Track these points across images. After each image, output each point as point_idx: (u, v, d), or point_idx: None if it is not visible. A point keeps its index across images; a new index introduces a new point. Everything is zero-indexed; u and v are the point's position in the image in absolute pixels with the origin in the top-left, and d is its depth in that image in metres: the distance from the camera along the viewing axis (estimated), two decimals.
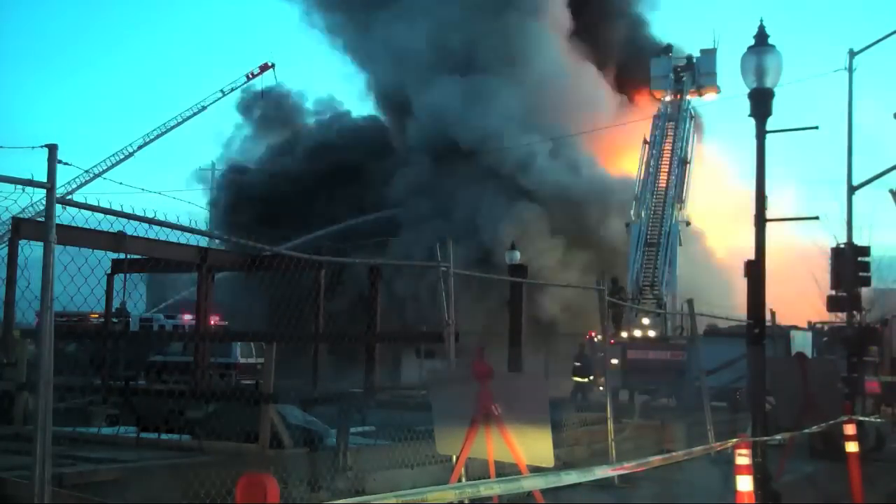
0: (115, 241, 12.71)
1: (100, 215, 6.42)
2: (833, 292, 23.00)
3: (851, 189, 25.28)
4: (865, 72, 29.23)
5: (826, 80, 45.70)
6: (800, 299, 29.59)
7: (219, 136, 77.39)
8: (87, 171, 47.19)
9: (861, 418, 14.14)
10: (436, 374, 9.85)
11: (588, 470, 6.80)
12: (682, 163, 38.76)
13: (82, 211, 6.33)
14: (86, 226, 6.59)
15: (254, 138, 56.85)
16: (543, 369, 25.14)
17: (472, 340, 13.66)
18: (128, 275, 17.97)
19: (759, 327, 12.05)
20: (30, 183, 5.85)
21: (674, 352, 26.47)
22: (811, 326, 27.56)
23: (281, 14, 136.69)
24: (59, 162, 5.97)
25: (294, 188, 47.52)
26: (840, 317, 24.05)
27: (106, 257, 14.12)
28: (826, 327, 26.53)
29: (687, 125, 40.15)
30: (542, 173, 42.65)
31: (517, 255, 30.75)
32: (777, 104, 12.13)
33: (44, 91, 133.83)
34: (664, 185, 38.37)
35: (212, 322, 25.08)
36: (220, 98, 59.42)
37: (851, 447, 11.39)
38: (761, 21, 12.25)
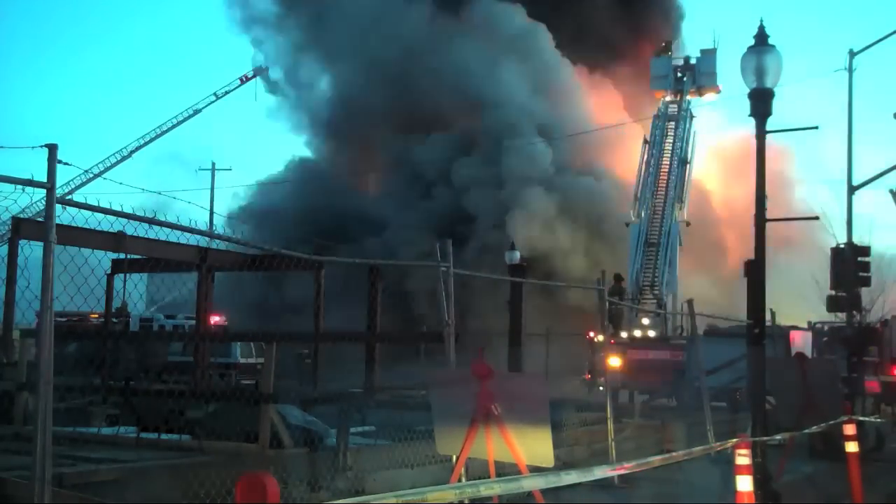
0: (115, 241, 12.71)
1: (100, 215, 6.42)
2: (833, 292, 23.02)
3: (851, 189, 25.31)
4: (865, 72, 29.21)
5: (826, 81, 45.64)
6: (799, 299, 29.64)
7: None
8: (86, 171, 47.27)
9: (861, 418, 14.15)
10: (436, 374, 9.84)
11: (588, 470, 6.80)
12: (682, 163, 38.75)
13: (82, 211, 6.34)
14: (86, 226, 6.59)
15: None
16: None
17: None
18: (128, 275, 17.96)
19: (759, 327, 12.06)
20: (30, 183, 5.86)
21: (674, 352, 26.46)
22: (811, 326, 27.53)
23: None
24: (59, 162, 5.98)
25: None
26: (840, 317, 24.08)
27: (106, 257, 14.14)
28: (826, 327, 26.51)
29: (687, 125, 40.14)
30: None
31: (517, 255, 30.75)
32: (777, 104, 12.15)
33: (43, 91, 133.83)
34: (664, 185, 38.37)
35: (212, 322, 25.09)
36: (213, 101, 59.72)
37: (851, 447, 11.39)
38: (761, 21, 12.27)
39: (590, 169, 44.45)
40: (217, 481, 8.20)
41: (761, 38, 12.13)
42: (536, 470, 7.92)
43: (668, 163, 38.91)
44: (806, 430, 12.11)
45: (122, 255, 15.65)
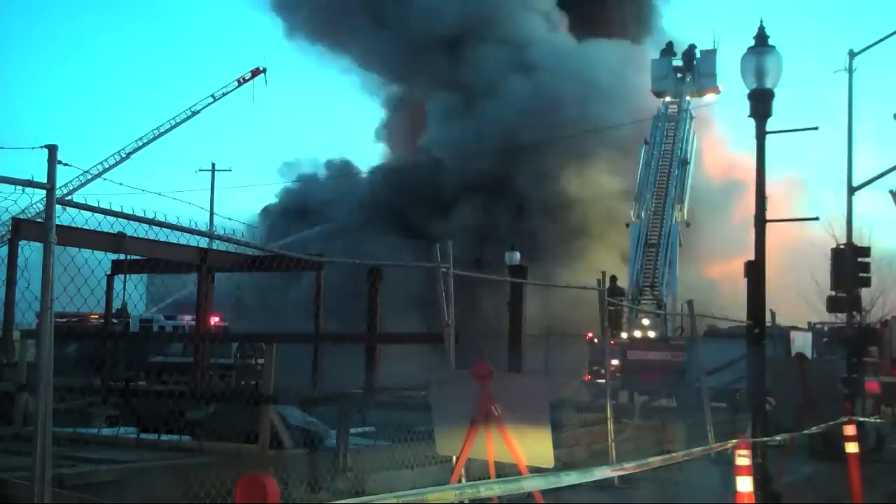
0: (114, 241, 12.70)
1: (100, 216, 6.42)
2: (833, 293, 23.03)
3: (851, 189, 25.30)
4: (865, 72, 29.25)
5: (826, 81, 45.69)
6: (799, 300, 29.63)
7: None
8: (86, 172, 47.35)
9: (861, 419, 14.15)
10: (435, 374, 9.84)
11: (588, 470, 6.81)
12: (682, 163, 38.74)
13: (82, 212, 6.33)
14: (86, 227, 6.59)
15: None
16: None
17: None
18: (128, 275, 17.96)
19: (759, 328, 12.06)
20: (30, 184, 5.86)
21: (674, 352, 26.48)
22: (811, 327, 27.54)
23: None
24: (59, 163, 5.98)
25: None
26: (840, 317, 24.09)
27: (106, 258, 14.13)
28: (826, 327, 26.52)
29: (687, 126, 40.13)
30: None
31: (517, 255, 30.77)
32: (777, 104, 12.16)
33: (43, 92, 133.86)
34: (664, 185, 38.36)
35: (212, 322, 25.08)
36: (211, 103, 59.73)
37: (851, 448, 11.39)
38: (761, 21, 12.27)
39: None
40: (217, 482, 8.20)
41: (761, 38, 12.13)
42: (536, 471, 7.92)
43: (668, 163, 38.92)
44: (806, 431, 12.11)
45: (122, 256, 15.64)
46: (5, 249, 14.43)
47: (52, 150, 5.96)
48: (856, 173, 25.69)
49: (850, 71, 26.03)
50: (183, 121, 59.03)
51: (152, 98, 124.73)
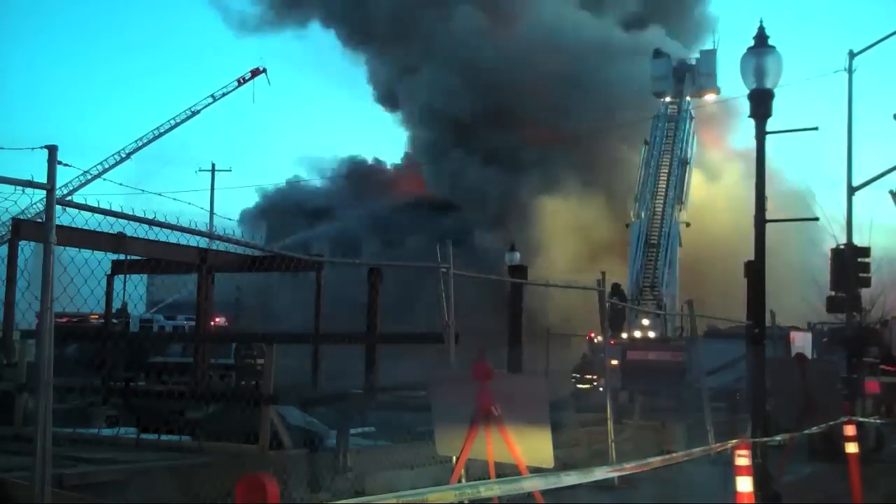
0: (114, 242, 12.71)
1: (100, 216, 6.42)
2: (833, 293, 23.01)
3: (851, 190, 25.30)
4: (865, 72, 29.22)
5: (826, 81, 45.64)
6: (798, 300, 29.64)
7: None
8: (86, 172, 47.33)
9: (861, 419, 14.15)
10: (436, 374, 9.84)
11: (588, 471, 6.80)
12: (682, 163, 38.76)
13: (82, 212, 6.34)
14: (86, 227, 6.59)
15: None
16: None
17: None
18: (127, 276, 17.96)
19: (759, 328, 12.06)
20: (30, 184, 5.86)
21: (674, 353, 26.46)
22: (811, 327, 27.54)
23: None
24: (59, 163, 5.98)
25: None
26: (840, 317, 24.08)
27: (106, 258, 14.13)
28: (826, 328, 26.53)
29: (687, 126, 40.13)
30: None
31: (517, 255, 30.77)
32: (777, 104, 12.15)
33: (43, 91, 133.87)
34: (664, 185, 38.37)
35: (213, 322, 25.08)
36: (211, 103, 59.71)
37: (851, 448, 11.39)
38: (761, 22, 12.25)
39: None
40: (217, 482, 8.20)
41: (761, 38, 12.11)
42: (536, 471, 7.92)
43: (669, 164, 38.92)
44: (806, 431, 12.11)
45: (122, 256, 15.65)
46: (5, 249, 14.42)
47: (52, 150, 5.96)
48: (856, 173, 25.72)
49: (850, 71, 26.03)
50: (183, 121, 59.05)
51: (152, 98, 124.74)
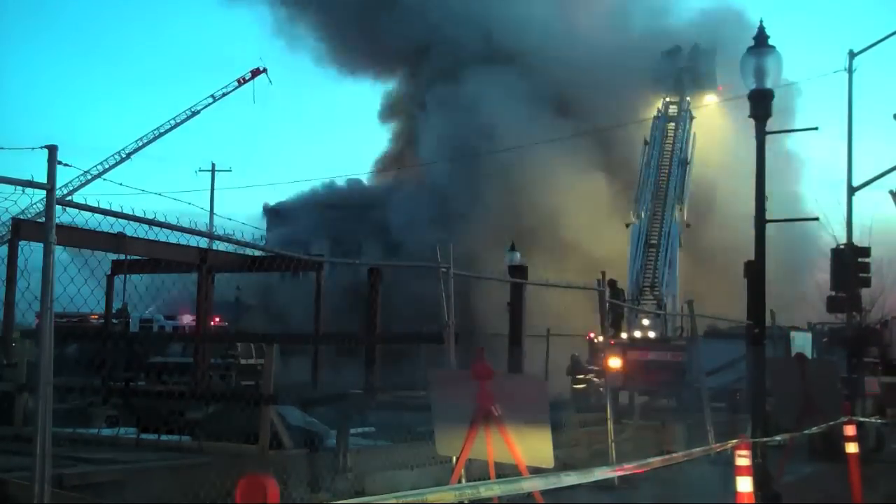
0: (114, 242, 12.72)
1: (100, 216, 6.42)
2: (833, 293, 23.00)
3: (851, 190, 25.31)
4: (865, 72, 29.20)
5: (826, 81, 45.66)
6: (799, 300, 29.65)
7: None
8: (86, 172, 47.29)
9: (861, 419, 14.14)
10: (436, 374, 9.83)
11: (588, 471, 6.80)
12: (682, 163, 38.77)
13: (82, 212, 6.33)
14: (86, 227, 6.59)
15: None
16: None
17: None
18: (127, 276, 17.97)
19: (759, 328, 12.05)
20: (30, 184, 5.86)
21: (674, 353, 26.46)
22: (811, 327, 27.54)
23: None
24: (59, 163, 5.98)
25: None
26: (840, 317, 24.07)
27: (106, 258, 14.14)
28: (826, 328, 26.51)
29: (687, 125, 40.15)
30: None
31: (517, 255, 30.74)
32: (777, 105, 12.14)
33: (43, 91, 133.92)
34: (664, 185, 38.39)
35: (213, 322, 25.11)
36: (211, 103, 59.68)
37: (851, 448, 11.38)
38: (761, 22, 12.25)
39: None
40: (217, 482, 8.20)
41: (761, 38, 12.11)
42: (536, 471, 7.92)
43: (668, 164, 38.94)
44: (806, 431, 12.10)
45: (122, 256, 15.66)
46: (5, 249, 14.43)
47: (52, 150, 5.96)
48: (856, 173, 25.73)
49: (850, 71, 26.03)
50: (183, 121, 59.02)
51: (152, 98, 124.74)
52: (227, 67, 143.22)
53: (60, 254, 6.17)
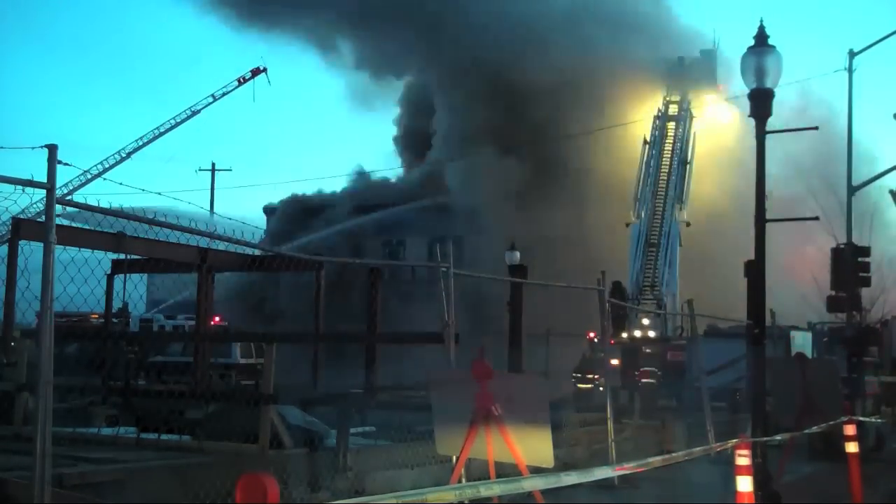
0: (115, 241, 12.71)
1: (100, 216, 6.42)
2: (833, 293, 22.98)
3: (851, 189, 25.31)
4: (865, 72, 29.23)
5: (826, 81, 45.67)
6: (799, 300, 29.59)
7: None
8: (86, 172, 47.28)
9: (861, 419, 14.14)
10: (436, 374, 9.83)
11: (588, 470, 6.80)
12: (683, 163, 38.78)
13: (82, 211, 6.33)
14: (86, 226, 6.60)
15: None
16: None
17: None
18: (128, 275, 17.97)
19: (759, 327, 12.04)
20: (30, 183, 5.86)
21: (674, 352, 26.45)
22: (811, 327, 27.52)
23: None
24: (59, 162, 5.97)
25: None
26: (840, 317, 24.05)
27: (106, 258, 14.13)
28: (826, 327, 26.50)
29: (687, 125, 40.15)
30: None
31: (517, 255, 30.75)
32: (777, 104, 12.14)
33: (43, 91, 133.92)
34: (664, 185, 38.39)
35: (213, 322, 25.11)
36: (211, 103, 59.66)
37: (851, 448, 11.38)
38: (761, 21, 12.25)
39: None
40: (217, 482, 8.19)
41: (761, 38, 12.11)
42: (536, 470, 7.92)
43: (669, 163, 38.94)
44: (806, 431, 12.10)
45: (122, 256, 15.65)
46: (5, 249, 14.42)
47: (52, 149, 5.95)
48: (856, 173, 25.71)
49: (850, 71, 26.04)
50: (183, 120, 59.01)
51: (152, 98, 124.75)
52: (228, 67, 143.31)
53: (61, 253, 6.17)
